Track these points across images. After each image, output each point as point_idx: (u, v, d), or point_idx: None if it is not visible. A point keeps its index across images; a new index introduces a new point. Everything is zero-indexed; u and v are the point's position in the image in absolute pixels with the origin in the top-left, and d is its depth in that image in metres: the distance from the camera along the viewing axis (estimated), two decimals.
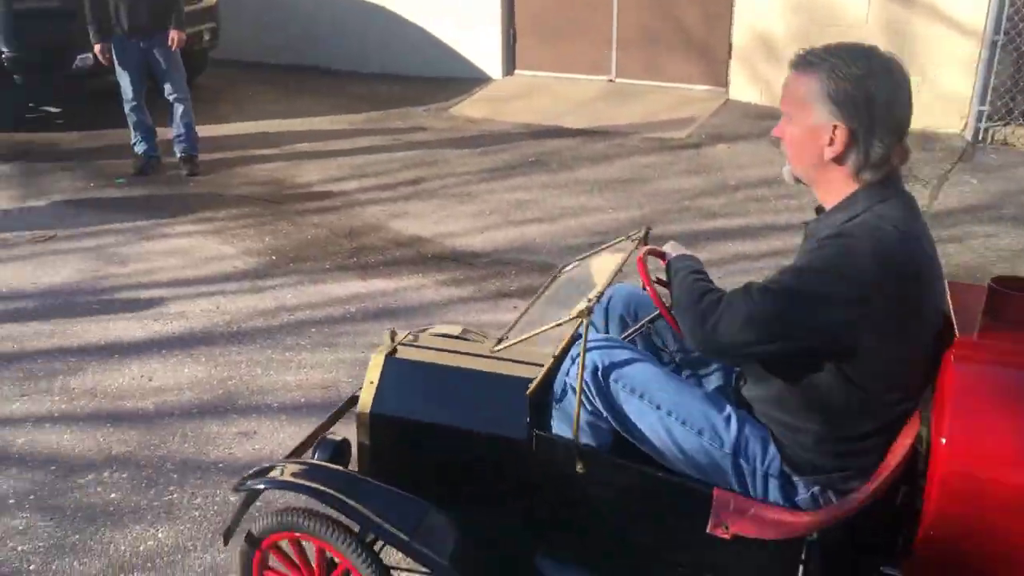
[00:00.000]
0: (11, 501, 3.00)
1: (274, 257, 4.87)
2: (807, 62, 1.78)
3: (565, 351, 2.09)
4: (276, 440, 3.27)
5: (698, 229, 5.06)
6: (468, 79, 8.25)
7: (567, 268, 2.59)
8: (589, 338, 1.93)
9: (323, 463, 2.21)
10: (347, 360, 3.80)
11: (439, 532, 2.06)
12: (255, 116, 7.50)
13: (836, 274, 1.69)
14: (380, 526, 2.02)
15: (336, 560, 2.14)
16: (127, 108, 6.00)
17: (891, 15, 6.45)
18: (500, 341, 2.22)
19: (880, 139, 1.74)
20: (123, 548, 2.78)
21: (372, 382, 2.22)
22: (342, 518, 2.07)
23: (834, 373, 1.75)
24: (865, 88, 1.72)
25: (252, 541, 2.21)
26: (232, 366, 3.79)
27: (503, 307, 4.20)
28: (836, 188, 1.82)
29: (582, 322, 1.90)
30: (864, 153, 1.76)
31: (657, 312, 2.14)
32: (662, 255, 2.09)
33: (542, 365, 2.08)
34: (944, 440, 1.63)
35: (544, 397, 2.06)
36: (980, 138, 6.25)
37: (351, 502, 2.02)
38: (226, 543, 2.27)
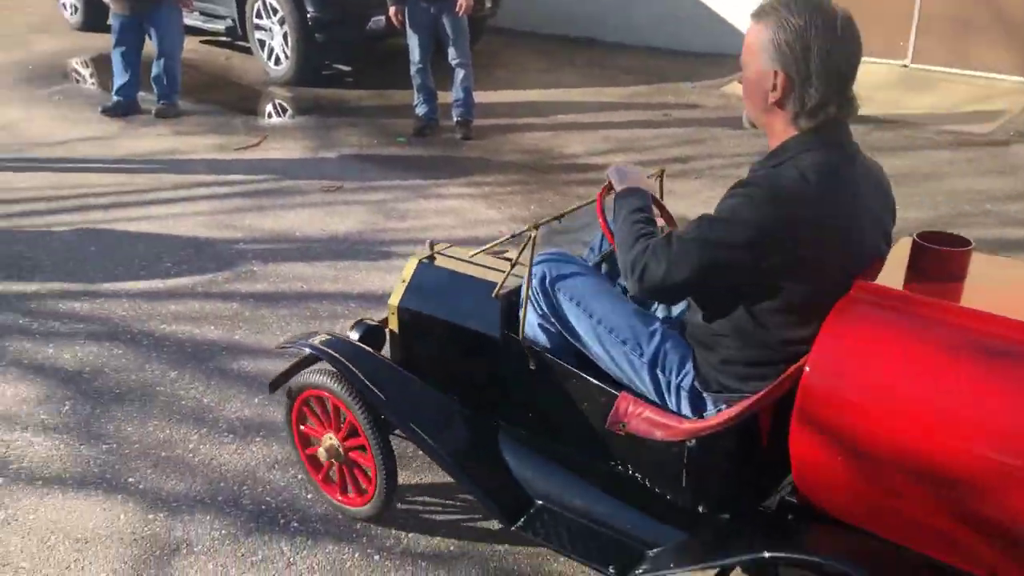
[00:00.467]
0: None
1: None
2: (763, 11, 1.89)
3: (520, 263, 2.35)
4: None
5: (1004, 237, 4.52)
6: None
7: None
8: (545, 252, 2.34)
9: (346, 339, 2.59)
10: None
11: (427, 411, 2.44)
12: (525, 85, 7.63)
13: (732, 221, 1.83)
14: (376, 395, 2.38)
15: (345, 415, 2.52)
16: (413, 70, 6.26)
17: None
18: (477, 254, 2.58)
19: (816, 88, 1.83)
20: None
21: (404, 280, 2.64)
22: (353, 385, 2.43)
23: (743, 307, 1.93)
24: (804, 38, 1.82)
25: (290, 394, 2.64)
26: None
27: None
28: (777, 133, 1.93)
29: (532, 236, 2.23)
30: (800, 99, 1.85)
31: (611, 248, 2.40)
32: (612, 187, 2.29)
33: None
34: (807, 368, 1.77)
35: (517, 301, 2.38)
36: None
37: (353, 369, 2.40)
38: (271, 392, 2.72)
